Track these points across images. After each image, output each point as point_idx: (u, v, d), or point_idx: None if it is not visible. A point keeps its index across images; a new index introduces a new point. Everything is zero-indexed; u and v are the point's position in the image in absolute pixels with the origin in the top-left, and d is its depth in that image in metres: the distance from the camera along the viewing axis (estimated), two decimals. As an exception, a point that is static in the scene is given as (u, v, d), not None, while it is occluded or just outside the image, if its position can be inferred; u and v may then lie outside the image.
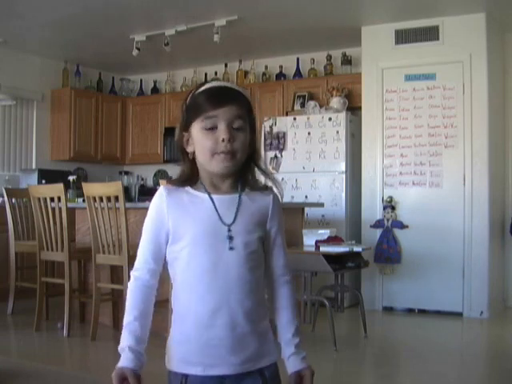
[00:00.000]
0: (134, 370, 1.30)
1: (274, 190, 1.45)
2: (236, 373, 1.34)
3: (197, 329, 1.33)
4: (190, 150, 1.39)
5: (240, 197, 1.38)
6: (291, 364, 1.40)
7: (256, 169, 1.43)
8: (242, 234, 1.35)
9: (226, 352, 1.32)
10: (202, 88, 1.38)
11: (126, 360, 1.31)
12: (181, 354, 1.35)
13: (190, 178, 1.40)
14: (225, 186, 1.39)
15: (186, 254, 1.35)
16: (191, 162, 1.40)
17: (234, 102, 1.35)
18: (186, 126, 1.38)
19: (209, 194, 1.37)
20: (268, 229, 1.42)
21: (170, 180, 1.43)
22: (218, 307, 1.32)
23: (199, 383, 1.33)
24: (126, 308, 1.37)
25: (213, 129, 1.33)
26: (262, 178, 1.45)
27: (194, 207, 1.36)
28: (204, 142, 1.34)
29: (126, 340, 1.33)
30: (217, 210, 1.36)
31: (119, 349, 1.34)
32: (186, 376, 1.34)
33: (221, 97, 1.35)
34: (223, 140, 1.32)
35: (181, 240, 1.36)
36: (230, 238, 1.34)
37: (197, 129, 1.35)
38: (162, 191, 1.39)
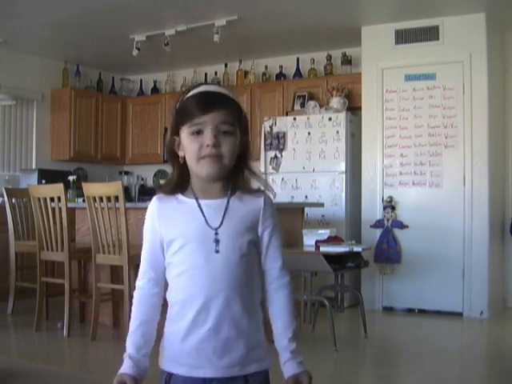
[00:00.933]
0: (133, 376, 1.36)
1: (266, 191, 1.44)
2: (219, 376, 1.35)
3: (184, 331, 1.35)
4: (181, 154, 1.40)
5: (228, 200, 1.39)
6: (287, 369, 1.38)
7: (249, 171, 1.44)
8: (230, 238, 1.36)
9: (211, 355, 1.34)
10: (191, 93, 1.39)
11: (125, 367, 1.37)
12: (170, 353, 1.39)
13: (180, 183, 1.41)
14: (215, 190, 1.39)
15: (177, 259, 1.37)
16: (182, 167, 1.41)
17: (221, 108, 1.35)
18: (176, 130, 1.39)
19: (196, 199, 1.38)
20: (260, 232, 1.41)
21: (161, 187, 1.44)
22: (202, 311, 1.34)
23: (182, 383, 1.36)
24: (131, 318, 1.43)
25: (199, 133, 1.35)
26: (254, 181, 1.45)
27: (182, 213, 1.38)
28: (190, 146, 1.36)
29: (128, 348, 1.40)
30: (203, 215, 1.37)
31: (123, 357, 1.40)
32: (170, 374, 1.38)
33: (208, 103, 1.35)
34: (208, 145, 1.34)
35: (172, 246, 1.38)
36: (217, 242, 1.35)
37: (185, 134, 1.37)
38: (154, 200, 1.43)
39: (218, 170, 1.36)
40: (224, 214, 1.37)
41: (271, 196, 1.45)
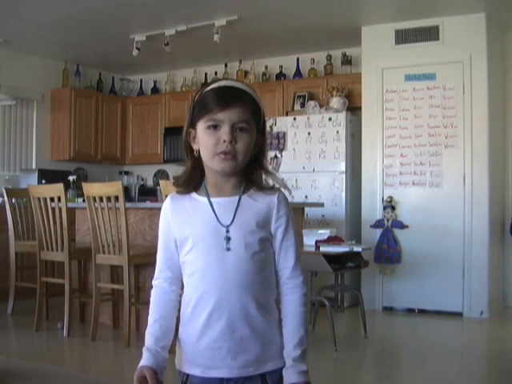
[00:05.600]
0: (151, 367, 1.35)
1: (282, 189, 1.43)
2: (235, 376, 1.34)
3: (198, 331, 1.35)
4: (195, 147, 1.39)
5: (240, 197, 1.37)
6: (286, 377, 1.34)
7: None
8: (241, 235, 1.34)
9: (225, 355, 1.33)
10: (211, 86, 1.38)
11: (143, 359, 1.37)
12: (185, 354, 1.39)
13: (194, 175, 1.40)
14: (228, 187, 1.38)
15: (190, 258, 1.37)
16: (196, 160, 1.40)
17: (240, 104, 1.34)
18: (193, 123, 1.38)
19: (208, 198, 1.38)
20: (274, 230, 1.38)
21: (175, 180, 1.43)
22: (215, 310, 1.33)
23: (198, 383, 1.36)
24: (149, 315, 1.42)
25: (216, 127, 1.33)
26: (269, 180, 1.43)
27: (194, 212, 1.38)
28: (206, 140, 1.34)
29: (146, 341, 1.39)
30: (214, 212, 1.36)
31: (142, 351, 1.40)
32: (187, 375, 1.38)
33: (227, 98, 1.34)
34: (224, 141, 1.32)
35: (185, 245, 1.38)
36: (228, 239, 1.34)
37: (201, 127, 1.35)
38: (167, 199, 1.43)
39: (232, 166, 1.34)
40: (235, 212, 1.36)
41: (287, 194, 1.43)
